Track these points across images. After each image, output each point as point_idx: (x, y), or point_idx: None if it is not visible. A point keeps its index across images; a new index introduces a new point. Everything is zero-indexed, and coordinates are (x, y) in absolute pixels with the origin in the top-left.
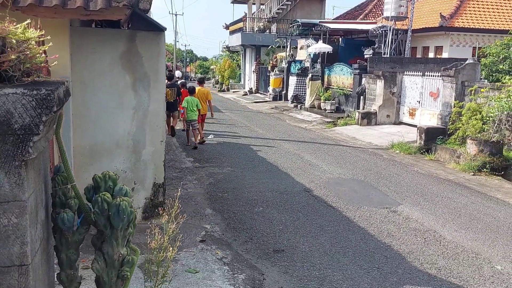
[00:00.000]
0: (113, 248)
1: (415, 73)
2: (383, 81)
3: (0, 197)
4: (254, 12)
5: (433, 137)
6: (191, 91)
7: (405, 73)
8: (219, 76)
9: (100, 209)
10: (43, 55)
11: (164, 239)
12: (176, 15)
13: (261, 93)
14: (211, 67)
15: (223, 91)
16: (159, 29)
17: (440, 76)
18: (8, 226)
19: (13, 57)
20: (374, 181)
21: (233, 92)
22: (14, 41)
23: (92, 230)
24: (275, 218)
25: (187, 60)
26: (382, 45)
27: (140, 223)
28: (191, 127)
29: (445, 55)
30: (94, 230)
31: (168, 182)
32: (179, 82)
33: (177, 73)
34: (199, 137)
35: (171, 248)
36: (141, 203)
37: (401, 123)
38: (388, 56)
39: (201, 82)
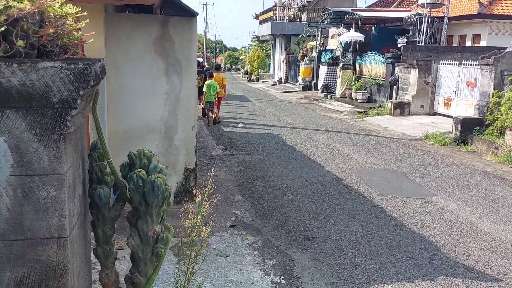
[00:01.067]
0: (148, 225)
1: (451, 62)
2: (417, 70)
3: (39, 170)
4: (285, 1)
5: (469, 128)
6: (210, 76)
7: (440, 62)
8: (248, 66)
9: (135, 186)
10: (80, 31)
11: (198, 218)
12: (206, 5)
13: (290, 83)
14: (241, 57)
15: (252, 81)
16: (191, 14)
17: (478, 65)
18: (47, 198)
19: (51, 31)
20: (408, 172)
21: (262, 82)
22: (52, 15)
23: (127, 208)
24: (305, 206)
25: (217, 51)
26: (417, 34)
27: (172, 207)
28: (208, 108)
29: (483, 43)
30: (129, 208)
31: (199, 168)
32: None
33: (199, 60)
34: (218, 115)
35: (205, 227)
36: (172, 188)
37: (435, 113)
38: (422, 44)
39: (217, 68)
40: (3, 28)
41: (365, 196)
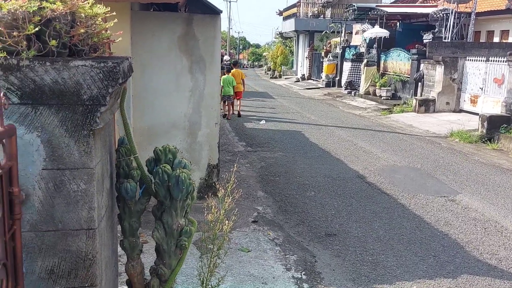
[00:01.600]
0: (172, 218)
1: (478, 59)
2: (443, 66)
3: (70, 164)
4: None
5: (496, 126)
6: (228, 70)
7: (467, 58)
8: (271, 63)
9: (160, 180)
10: (108, 31)
11: (221, 213)
12: (230, 1)
13: (313, 80)
14: (264, 53)
15: (275, 77)
16: (215, 12)
17: (505, 61)
18: (77, 191)
19: (82, 31)
20: (431, 170)
21: (285, 78)
22: (83, 16)
23: (152, 202)
24: (327, 203)
25: (240, 47)
26: (443, 30)
27: (195, 202)
28: (227, 101)
29: (511, 39)
30: (154, 202)
31: (221, 164)
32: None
33: (226, 58)
34: (238, 109)
35: (227, 222)
36: (195, 183)
37: (461, 110)
38: (449, 41)
39: (235, 64)
40: (37, 29)
41: (388, 193)
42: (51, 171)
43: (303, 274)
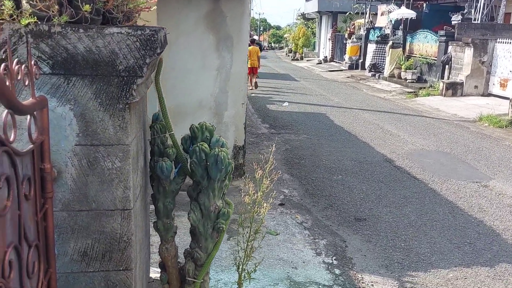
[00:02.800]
0: (210, 199)
1: (509, 41)
2: (472, 49)
3: (105, 140)
4: None
5: None
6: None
7: (497, 40)
8: (293, 45)
9: (198, 159)
10: None
11: (258, 195)
12: None
13: (336, 62)
14: (285, 35)
15: (296, 59)
16: None
17: None
18: (112, 169)
19: None
20: (462, 154)
21: (307, 60)
22: None
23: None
24: (355, 187)
25: (261, 29)
26: (472, 11)
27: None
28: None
29: None
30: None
31: (246, 146)
32: None
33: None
34: (255, 80)
35: (265, 204)
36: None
37: (490, 94)
38: (478, 22)
39: (252, 42)
40: None
41: (418, 178)
42: (85, 147)
43: (334, 259)
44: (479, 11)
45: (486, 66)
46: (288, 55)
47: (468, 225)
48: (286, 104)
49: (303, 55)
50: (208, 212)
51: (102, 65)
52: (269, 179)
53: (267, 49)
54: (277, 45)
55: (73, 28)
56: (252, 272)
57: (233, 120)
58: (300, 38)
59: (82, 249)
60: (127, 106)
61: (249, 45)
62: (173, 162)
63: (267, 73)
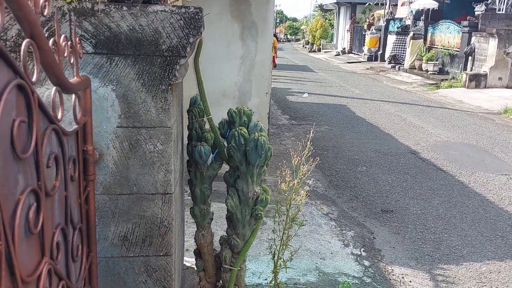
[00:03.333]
0: (248, 185)
1: None
2: (496, 39)
3: (147, 122)
4: None
5: None
6: None
7: None
8: (310, 37)
9: (236, 144)
10: None
11: (295, 182)
12: None
13: (354, 54)
14: (302, 27)
15: (314, 51)
16: None
17: None
18: (154, 152)
19: None
20: (488, 147)
21: (325, 52)
22: None
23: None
24: (380, 178)
25: (277, 21)
26: (496, 1)
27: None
28: None
29: None
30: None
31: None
32: None
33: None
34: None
35: (302, 191)
36: None
37: None
38: (503, 12)
39: None
40: None
41: (444, 170)
42: (126, 129)
43: (363, 251)
44: (504, 1)
45: (511, 57)
46: (305, 47)
47: (500, 218)
48: (305, 95)
49: (321, 46)
50: (246, 198)
51: (145, 45)
52: (306, 166)
53: (283, 41)
54: (293, 37)
55: (117, 6)
56: (288, 261)
57: (257, 109)
58: (317, 29)
59: (123, 233)
60: (169, 87)
61: None
62: (210, 147)
63: (285, 64)
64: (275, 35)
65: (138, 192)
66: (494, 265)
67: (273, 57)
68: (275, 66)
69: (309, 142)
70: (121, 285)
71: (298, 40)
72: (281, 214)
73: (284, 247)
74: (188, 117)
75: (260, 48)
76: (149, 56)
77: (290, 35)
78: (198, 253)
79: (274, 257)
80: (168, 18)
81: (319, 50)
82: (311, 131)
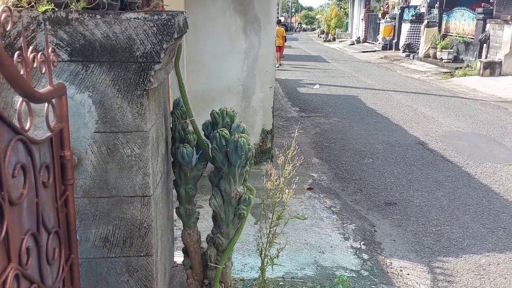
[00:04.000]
0: (230, 186)
1: None
2: (511, 26)
3: (123, 127)
4: None
5: None
6: None
7: None
8: (325, 26)
9: (218, 145)
10: None
11: (280, 181)
12: None
13: (369, 43)
14: (317, 16)
15: (329, 41)
16: None
17: None
18: (131, 156)
19: None
20: (499, 136)
21: (339, 41)
22: None
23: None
24: (386, 170)
25: (292, 10)
26: None
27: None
28: None
29: None
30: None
31: (275, 130)
32: None
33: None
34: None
35: (287, 190)
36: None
37: None
38: None
39: (278, 22)
40: None
41: (451, 161)
42: (104, 134)
43: (362, 244)
44: None
45: None
46: (320, 37)
47: (504, 209)
48: (317, 86)
49: (336, 36)
50: (229, 198)
51: (119, 51)
52: (291, 164)
53: (297, 31)
54: (309, 26)
55: (90, 14)
56: (274, 257)
57: (261, 104)
58: (332, 19)
59: (104, 235)
60: (145, 92)
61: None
62: (194, 148)
63: (298, 55)
64: (284, 25)
65: (117, 195)
66: (494, 257)
67: (282, 47)
68: (283, 56)
69: (294, 141)
70: (104, 285)
71: (313, 29)
72: (270, 212)
73: (270, 244)
74: (171, 120)
75: (263, 42)
76: (123, 62)
77: (306, 24)
78: (185, 251)
79: (261, 254)
80: (141, 25)
81: (334, 39)
82: (296, 131)
